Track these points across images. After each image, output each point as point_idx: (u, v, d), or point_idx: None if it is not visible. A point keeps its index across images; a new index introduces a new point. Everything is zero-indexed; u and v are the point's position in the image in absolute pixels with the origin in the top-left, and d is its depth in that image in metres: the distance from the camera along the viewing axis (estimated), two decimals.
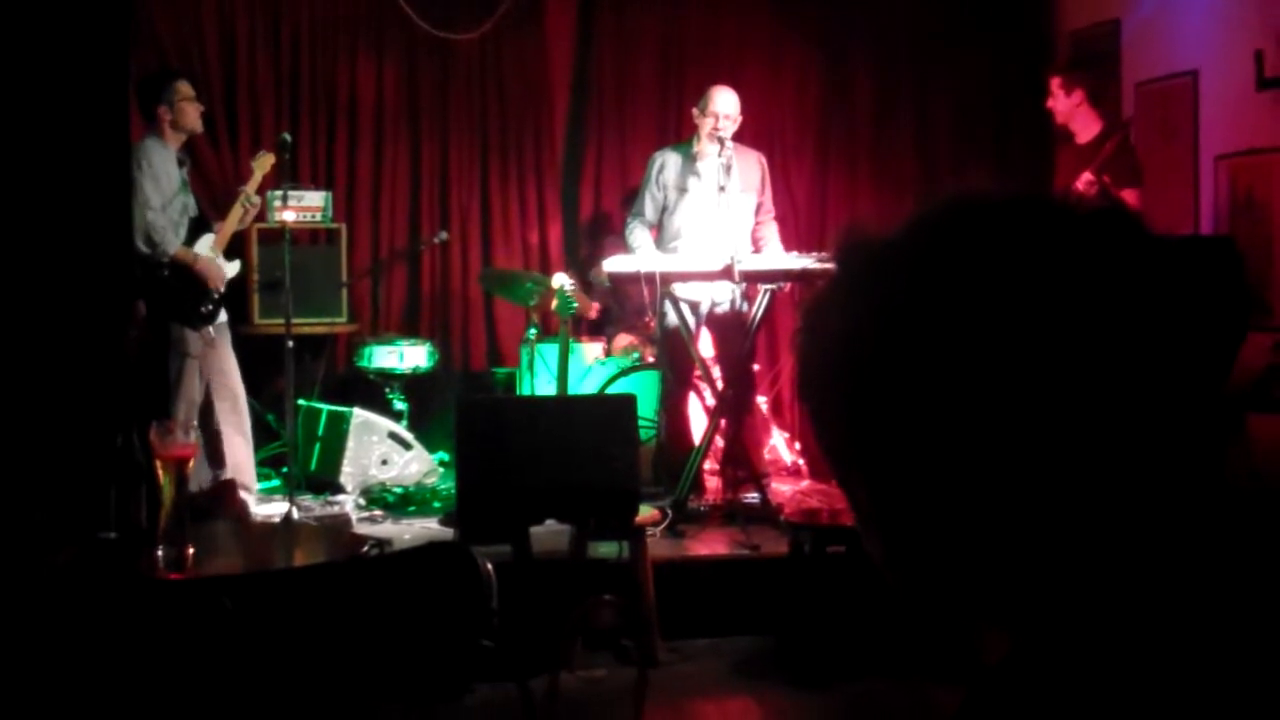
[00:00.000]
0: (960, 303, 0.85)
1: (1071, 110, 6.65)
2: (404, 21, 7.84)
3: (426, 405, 7.55)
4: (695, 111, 6.57)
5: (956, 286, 0.85)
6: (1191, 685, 0.81)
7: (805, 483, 7.17)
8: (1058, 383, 0.83)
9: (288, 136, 6.50)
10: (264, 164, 6.49)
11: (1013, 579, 0.86)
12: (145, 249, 6.03)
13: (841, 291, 0.92)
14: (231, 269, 6.46)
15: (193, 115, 6.30)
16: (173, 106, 6.22)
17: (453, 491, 5.37)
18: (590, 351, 7.35)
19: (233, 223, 6.41)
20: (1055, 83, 6.71)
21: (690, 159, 6.59)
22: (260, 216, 6.85)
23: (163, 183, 6.14)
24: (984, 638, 0.89)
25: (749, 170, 6.55)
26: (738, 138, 6.47)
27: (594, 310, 7.67)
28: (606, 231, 8.07)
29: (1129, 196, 6.38)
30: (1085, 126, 6.66)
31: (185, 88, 6.32)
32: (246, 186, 6.45)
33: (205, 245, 6.32)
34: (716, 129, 6.37)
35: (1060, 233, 0.87)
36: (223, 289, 6.32)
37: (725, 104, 6.42)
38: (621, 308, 7.67)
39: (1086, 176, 6.31)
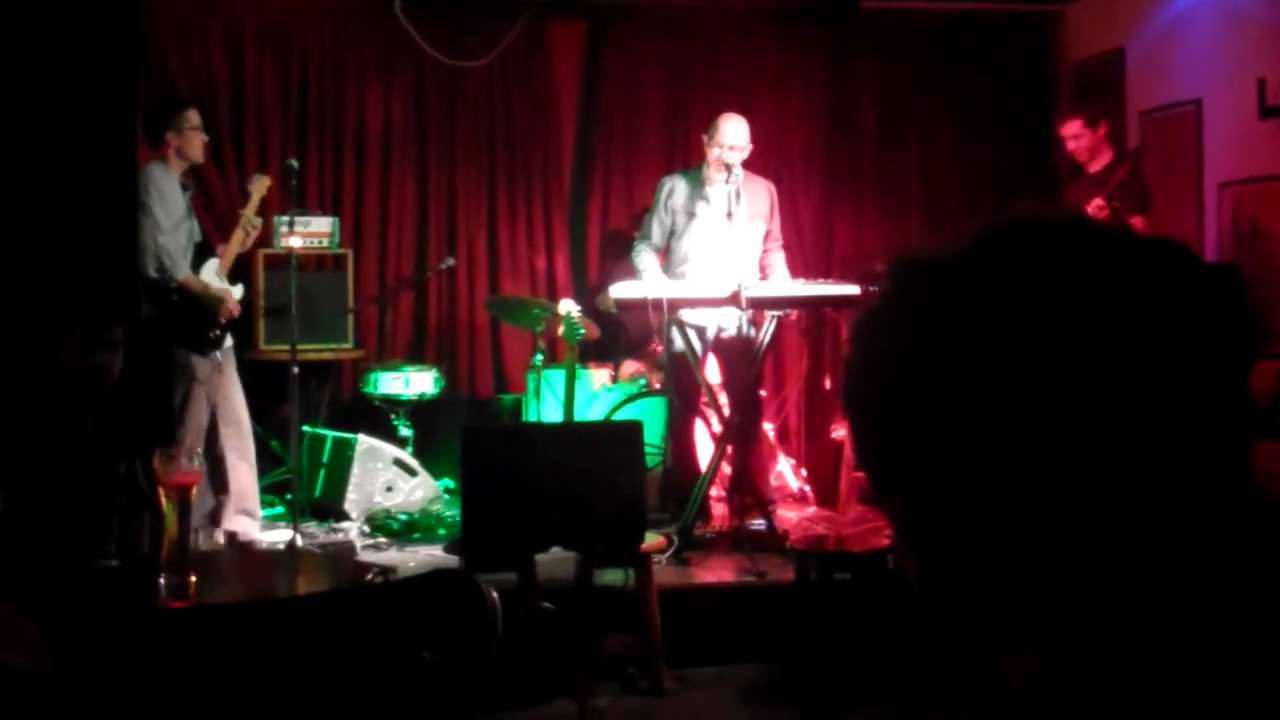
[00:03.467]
0: (1004, 324, 0.86)
1: (1097, 145, 6.65)
2: (412, 48, 7.87)
3: (432, 432, 7.55)
4: (705, 138, 6.58)
5: (1003, 307, 0.86)
6: (1218, 707, 0.83)
7: (811, 509, 7.15)
8: (1098, 405, 0.84)
9: (295, 162, 6.52)
10: (260, 187, 6.52)
11: (1046, 599, 0.87)
12: (154, 274, 6.03)
13: (891, 307, 0.93)
14: (235, 293, 6.47)
15: (198, 145, 6.31)
16: (180, 134, 6.23)
17: (458, 518, 5.37)
18: (597, 377, 7.34)
19: (235, 246, 6.42)
20: (1079, 123, 6.67)
21: (700, 184, 6.60)
22: (266, 241, 6.88)
23: (170, 208, 6.15)
24: (1007, 665, 0.90)
25: (758, 198, 6.56)
26: (746, 165, 6.48)
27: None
28: (614, 258, 8.07)
29: (1137, 223, 6.37)
30: (1099, 156, 6.68)
31: (194, 116, 6.33)
32: (246, 210, 6.47)
33: (210, 270, 6.33)
34: (723, 158, 6.38)
35: (1110, 260, 0.88)
36: (234, 316, 6.33)
37: (732, 134, 6.43)
38: (628, 333, 7.66)
39: (1097, 202, 6.30)
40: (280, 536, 6.28)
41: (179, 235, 6.19)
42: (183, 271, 6.14)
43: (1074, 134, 6.70)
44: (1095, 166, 6.67)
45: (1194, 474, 0.85)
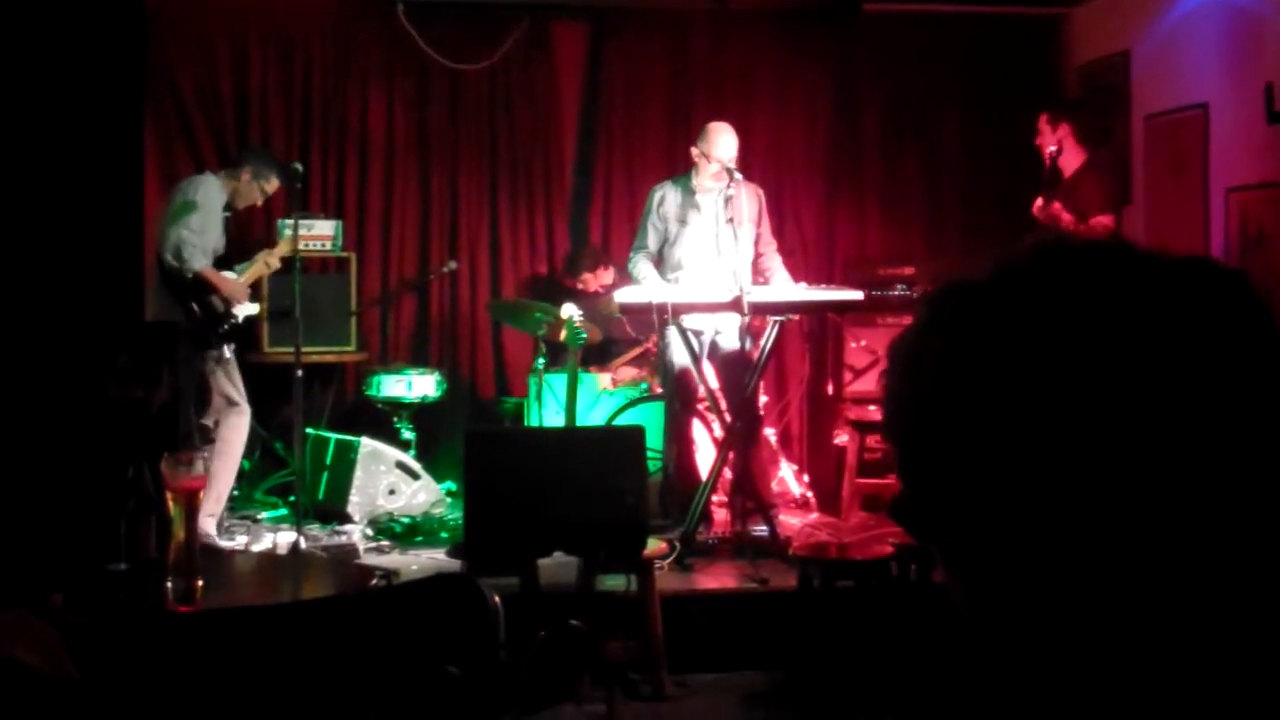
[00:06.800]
0: (1044, 346, 0.86)
1: (1058, 144, 6.70)
2: (415, 52, 7.87)
3: (434, 435, 7.55)
4: (695, 150, 6.57)
5: (1042, 331, 0.87)
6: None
7: (814, 515, 7.14)
8: (1135, 426, 0.84)
9: (299, 166, 6.54)
10: (286, 241, 6.65)
11: (1098, 612, 0.87)
12: (173, 262, 6.19)
13: (929, 332, 0.93)
14: (251, 308, 6.52)
15: (252, 200, 6.64)
16: (253, 181, 6.54)
17: (460, 522, 5.36)
18: (599, 381, 7.34)
19: (251, 274, 6.62)
20: (1043, 119, 6.78)
21: (690, 191, 6.59)
22: (270, 244, 6.94)
23: (208, 214, 6.31)
24: (1058, 680, 0.90)
25: (747, 202, 6.54)
26: (739, 170, 6.47)
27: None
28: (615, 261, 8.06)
29: (1104, 222, 6.45)
30: (1070, 161, 6.72)
31: (275, 185, 6.64)
32: (273, 252, 6.67)
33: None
34: (722, 173, 6.39)
35: (1143, 281, 0.88)
36: (240, 315, 6.39)
37: (726, 147, 6.43)
38: (624, 337, 7.64)
39: (1055, 206, 6.42)
40: (284, 539, 6.28)
41: (206, 236, 6.29)
42: (199, 262, 6.22)
43: (1039, 129, 6.76)
44: (1069, 171, 6.73)
45: (1239, 488, 0.86)
